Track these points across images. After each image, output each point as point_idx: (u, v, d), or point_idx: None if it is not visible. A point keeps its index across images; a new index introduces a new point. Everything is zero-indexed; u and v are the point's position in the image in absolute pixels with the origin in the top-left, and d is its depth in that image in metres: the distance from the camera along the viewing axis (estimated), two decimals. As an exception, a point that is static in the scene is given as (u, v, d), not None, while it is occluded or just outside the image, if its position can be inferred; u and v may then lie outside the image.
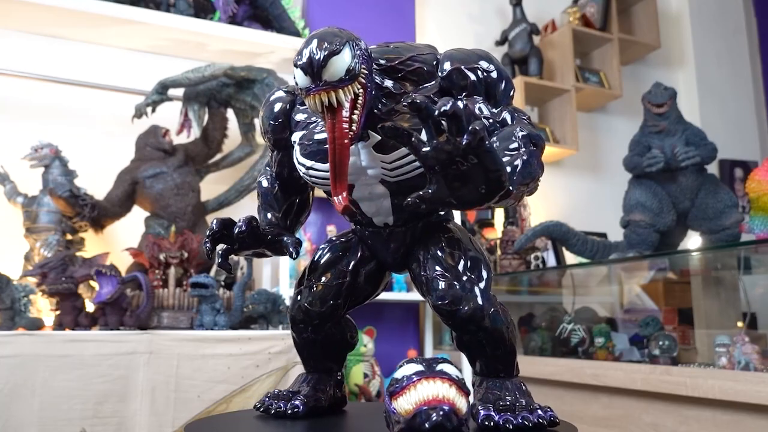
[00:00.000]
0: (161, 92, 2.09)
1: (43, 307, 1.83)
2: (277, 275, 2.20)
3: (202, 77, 2.08)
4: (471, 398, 0.64)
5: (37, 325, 1.71)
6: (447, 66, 0.73)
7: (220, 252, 0.78)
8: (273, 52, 2.51)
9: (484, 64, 0.74)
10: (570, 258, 2.62)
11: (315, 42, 0.65)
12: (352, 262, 0.84)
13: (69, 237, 1.99)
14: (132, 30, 2.31)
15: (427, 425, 0.56)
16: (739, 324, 1.96)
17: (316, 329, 0.84)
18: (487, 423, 0.69)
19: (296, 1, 2.72)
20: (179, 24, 2.31)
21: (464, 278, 0.73)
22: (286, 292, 2.10)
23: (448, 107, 0.55)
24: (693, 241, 2.23)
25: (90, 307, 1.76)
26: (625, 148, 2.18)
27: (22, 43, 2.30)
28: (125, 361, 1.63)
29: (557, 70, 3.20)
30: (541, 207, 3.08)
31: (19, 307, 1.71)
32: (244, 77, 2.13)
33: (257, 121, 2.08)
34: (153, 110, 2.11)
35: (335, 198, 0.67)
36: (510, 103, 0.75)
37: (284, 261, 2.17)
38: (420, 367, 0.60)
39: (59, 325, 1.70)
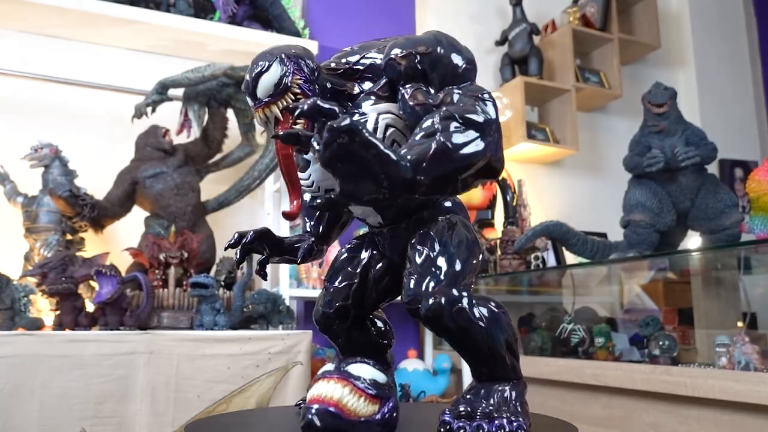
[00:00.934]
0: (161, 92, 2.09)
1: (43, 307, 1.83)
2: (277, 275, 2.20)
3: (202, 77, 2.08)
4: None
5: (37, 325, 1.71)
6: (386, 58, 0.70)
7: (258, 261, 0.81)
8: (273, 52, 2.50)
9: (421, 49, 0.68)
10: (570, 258, 2.62)
11: (250, 65, 0.71)
12: (362, 264, 0.82)
13: (69, 237, 1.99)
14: (132, 30, 2.31)
15: (301, 422, 0.58)
16: (739, 324, 1.96)
17: (336, 334, 0.82)
18: (441, 429, 0.65)
19: (296, 1, 2.72)
20: (179, 24, 2.31)
21: (430, 275, 0.67)
22: (286, 292, 2.10)
23: (299, 110, 0.59)
24: (693, 241, 2.23)
25: (90, 307, 1.76)
26: (625, 148, 2.18)
27: (22, 43, 2.30)
28: (125, 361, 1.63)
29: (557, 70, 3.20)
30: (541, 207, 3.08)
31: (19, 307, 1.71)
32: (244, 77, 2.12)
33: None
34: (153, 110, 2.11)
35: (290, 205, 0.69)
36: (463, 82, 0.68)
37: (284, 261, 2.17)
38: (330, 367, 0.63)
39: (59, 325, 1.70)
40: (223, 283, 1.96)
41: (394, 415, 0.64)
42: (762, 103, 3.87)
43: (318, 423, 0.57)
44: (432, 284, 0.65)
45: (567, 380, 1.94)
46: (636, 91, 2.76)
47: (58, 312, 1.71)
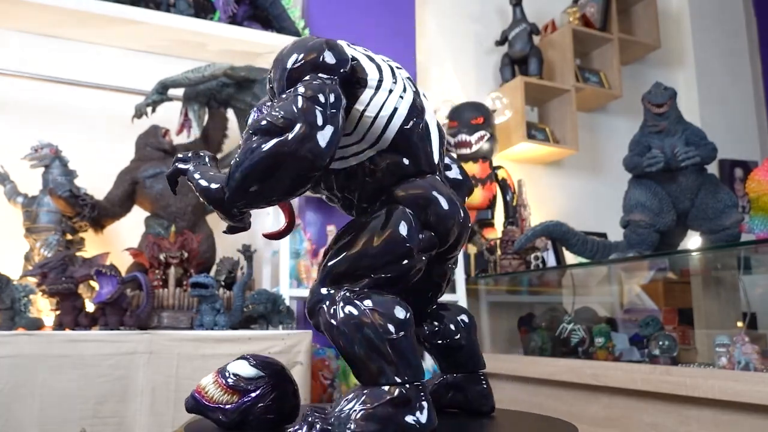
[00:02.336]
0: (161, 92, 2.09)
1: (43, 307, 1.83)
2: (277, 275, 2.20)
3: (202, 77, 2.08)
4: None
5: (37, 325, 1.71)
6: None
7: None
8: (273, 52, 2.47)
9: (274, 60, 0.70)
10: (570, 258, 2.62)
11: None
12: None
13: (69, 237, 1.99)
14: (132, 30, 2.31)
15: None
16: (739, 324, 1.96)
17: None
18: (290, 428, 0.63)
19: (296, 1, 2.71)
20: (179, 24, 2.31)
21: (318, 271, 0.70)
22: (286, 292, 2.10)
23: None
24: (693, 241, 2.23)
25: (90, 307, 1.76)
26: (625, 148, 2.18)
27: (22, 43, 2.30)
28: (125, 361, 1.63)
29: (557, 70, 3.20)
30: (541, 207, 3.08)
31: (19, 307, 1.71)
32: (244, 77, 2.13)
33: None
34: (153, 110, 2.11)
35: None
36: (288, 89, 0.66)
37: (284, 261, 2.17)
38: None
39: (59, 325, 1.70)
40: (223, 283, 1.96)
41: (259, 405, 0.71)
42: (762, 103, 3.87)
43: (186, 402, 0.75)
44: (314, 282, 0.69)
45: (567, 380, 1.94)
46: (636, 91, 2.76)
47: (58, 312, 1.71)
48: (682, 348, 1.87)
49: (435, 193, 0.69)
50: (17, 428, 1.50)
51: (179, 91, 2.17)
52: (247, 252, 1.92)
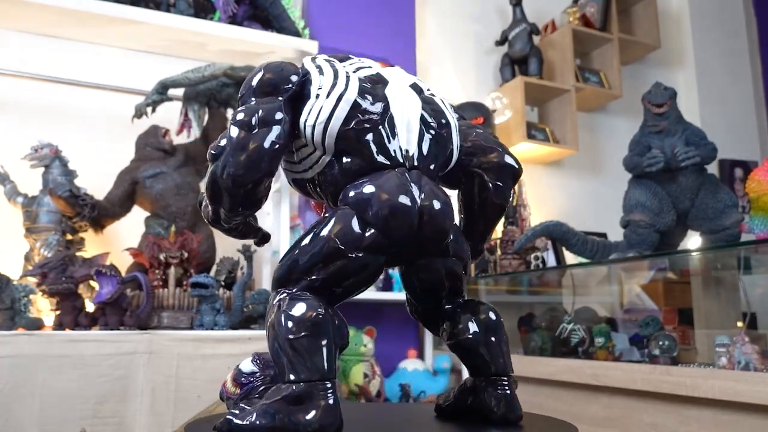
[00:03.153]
0: (161, 92, 2.09)
1: (43, 307, 1.83)
2: (277, 275, 2.20)
3: (202, 77, 2.08)
4: None
5: (37, 325, 1.71)
6: None
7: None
8: (273, 52, 2.51)
9: None
10: (570, 258, 2.62)
11: None
12: None
13: (69, 237, 1.99)
14: (132, 30, 2.31)
15: None
16: (739, 324, 1.96)
17: None
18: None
19: (296, 1, 2.72)
20: (179, 24, 2.31)
21: None
22: (286, 292, 2.10)
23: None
24: (693, 241, 2.23)
25: (90, 307, 1.76)
26: (625, 148, 2.18)
27: (22, 43, 2.30)
28: (125, 361, 1.63)
29: (557, 70, 3.20)
30: (541, 207, 3.08)
31: (19, 307, 1.71)
32: (244, 77, 2.11)
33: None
34: (153, 110, 2.11)
35: None
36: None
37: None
38: None
39: (59, 325, 1.70)
40: (223, 283, 1.96)
41: (250, 397, 0.77)
42: (762, 103, 3.87)
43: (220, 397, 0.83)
44: None
45: (567, 380, 1.94)
46: (636, 91, 2.76)
47: (58, 312, 1.71)
48: (682, 348, 1.87)
49: (376, 190, 0.68)
50: (17, 428, 1.50)
51: (179, 91, 2.17)
52: (247, 252, 1.92)
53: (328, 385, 0.63)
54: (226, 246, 2.16)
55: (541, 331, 2.22)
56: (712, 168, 2.86)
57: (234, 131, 0.67)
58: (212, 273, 2.04)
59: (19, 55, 2.28)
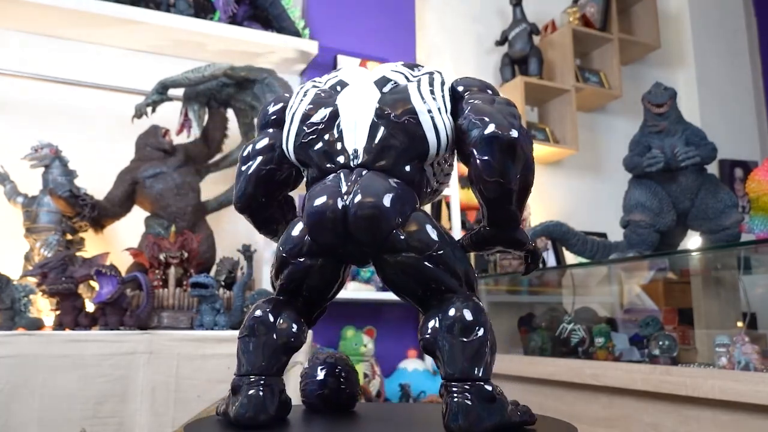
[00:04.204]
0: (161, 92, 2.09)
1: (43, 307, 1.83)
2: (277, 275, 2.20)
3: (202, 77, 2.08)
4: None
5: (37, 325, 1.71)
6: None
7: None
8: (273, 52, 2.51)
9: None
10: (570, 258, 2.62)
11: None
12: None
13: (69, 237, 1.99)
14: (132, 30, 2.31)
15: None
16: (739, 324, 1.96)
17: None
18: None
19: (296, 1, 2.72)
20: (179, 24, 2.31)
21: None
22: (286, 292, 2.10)
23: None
24: (693, 241, 2.23)
25: (90, 307, 1.76)
26: (625, 148, 2.18)
27: (22, 43, 2.30)
28: (125, 361, 1.63)
29: (557, 70, 3.20)
30: (541, 207, 3.08)
31: (19, 307, 1.71)
32: (244, 77, 2.13)
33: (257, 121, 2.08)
34: (153, 110, 2.11)
35: None
36: None
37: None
38: None
39: (59, 325, 1.70)
40: (223, 283, 1.96)
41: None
42: (762, 103, 3.87)
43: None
44: None
45: (567, 380, 1.94)
46: (636, 91, 2.76)
47: (58, 312, 1.71)
48: (682, 348, 1.87)
49: (308, 197, 0.69)
50: (17, 428, 1.50)
51: (179, 91, 2.17)
52: (247, 252, 1.92)
53: (252, 379, 0.70)
54: (226, 246, 2.16)
55: (541, 331, 2.22)
56: (712, 168, 2.86)
57: (239, 161, 0.79)
58: (212, 273, 2.04)
59: (19, 55, 2.28)
